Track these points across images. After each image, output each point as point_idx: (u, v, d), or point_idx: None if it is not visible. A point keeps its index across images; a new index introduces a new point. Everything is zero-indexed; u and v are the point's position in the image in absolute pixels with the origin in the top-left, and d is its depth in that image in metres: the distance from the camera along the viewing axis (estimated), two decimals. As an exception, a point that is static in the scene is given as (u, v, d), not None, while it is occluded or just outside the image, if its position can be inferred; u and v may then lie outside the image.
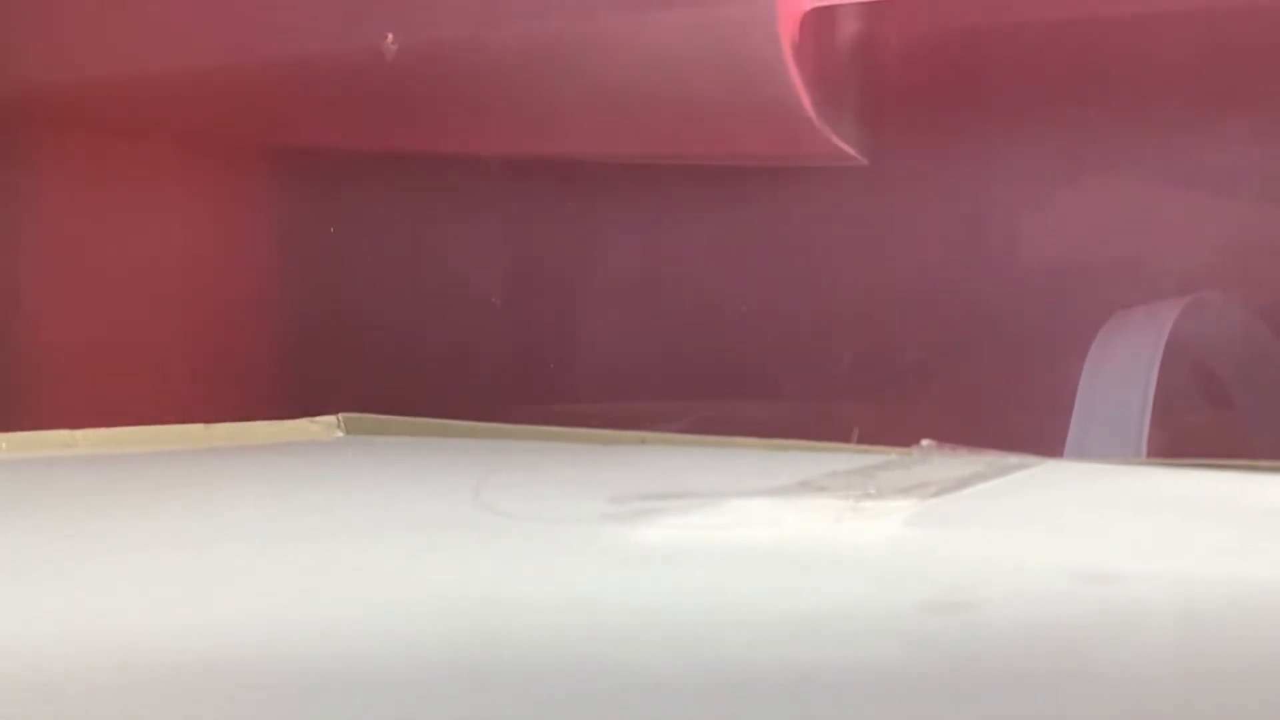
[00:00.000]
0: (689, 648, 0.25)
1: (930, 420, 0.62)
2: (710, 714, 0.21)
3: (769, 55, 0.67)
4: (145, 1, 0.79)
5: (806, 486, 0.46)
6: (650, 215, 0.79)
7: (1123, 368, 0.62)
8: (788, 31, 0.68)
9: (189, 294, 0.84)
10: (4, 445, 0.60)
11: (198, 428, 0.66)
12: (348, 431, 0.69)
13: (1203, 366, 0.67)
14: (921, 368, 0.74)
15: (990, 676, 0.23)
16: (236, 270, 0.85)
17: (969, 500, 0.44)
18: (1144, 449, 0.60)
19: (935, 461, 0.49)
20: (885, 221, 0.74)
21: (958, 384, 0.73)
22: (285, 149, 0.85)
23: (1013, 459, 0.53)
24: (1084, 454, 0.60)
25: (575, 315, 0.80)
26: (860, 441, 0.61)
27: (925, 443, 0.52)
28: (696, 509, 0.43)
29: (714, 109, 0.70)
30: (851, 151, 0.71)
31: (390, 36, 0.73)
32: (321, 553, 0.36)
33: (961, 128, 0.72)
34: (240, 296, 0.85)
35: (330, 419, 0.70)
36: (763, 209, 0.75)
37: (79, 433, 0.62)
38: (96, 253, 0.83)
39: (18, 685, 0.22)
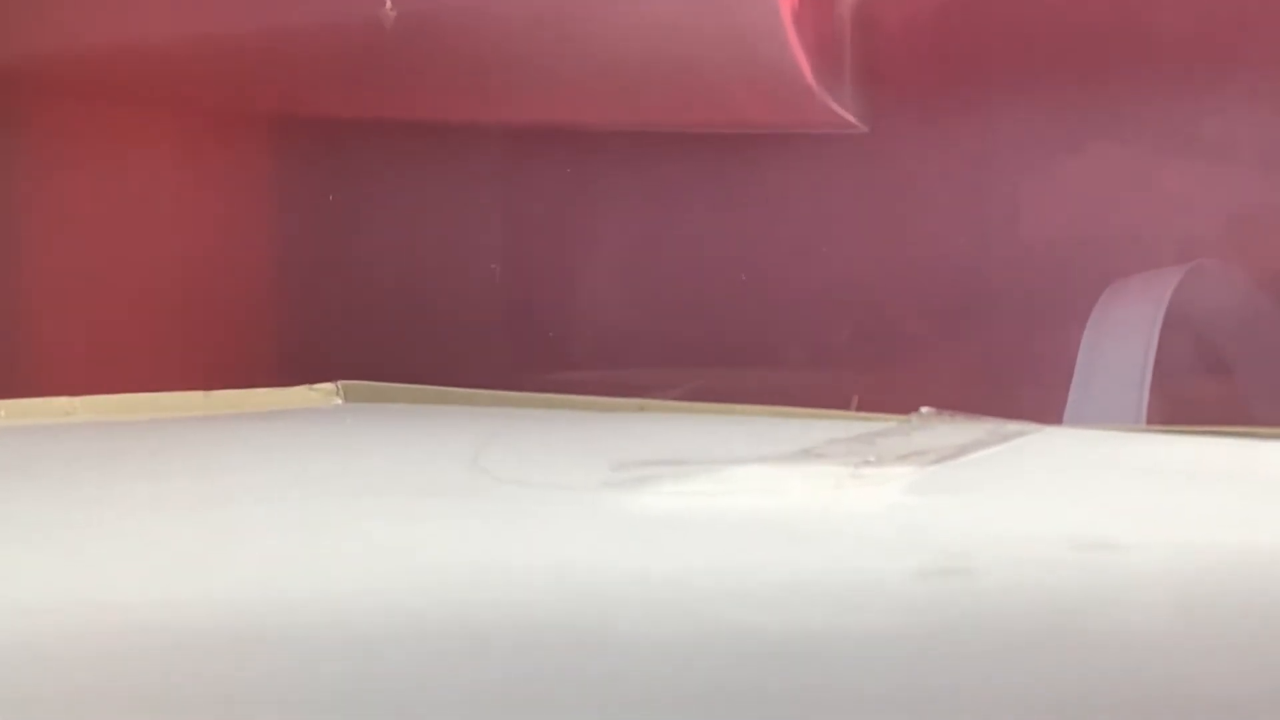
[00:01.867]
0: (688, 613, 0.25)
1: (930, 387, 0.62)
2: (709, 679, 0.21)
3: (769, 23, 0.67)
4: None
5: (806, 454, 0.46)
6: (650, 183, 0.78)
7: (1122, 336, 0.62)
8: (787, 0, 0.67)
9: (189, 262, 0.84)
10: (2, 413, 0.60)
11: (197, 395, 0.66)
12: (347, 399, 0.69)
13: (1202, 335, 0.67)
14: (921, 335, 0.74)
15: (989, 642, 0.23)
16: (236, 238, 0.85)
17: (968, 467, 0.44)
18: (1143, 416, 0.60)
19: (935, 429, 0.49)
20: (885, 189, 0.74)
21: (957, 351, 0.73)
22: (284, 117, 0.85)
23: (1012, 426, 0.53)
24: (1083, 421, 0.60)
25: (575, 283, 0.80)
26: (860, 409, 0.61)
27: (925, 410, 0.52)
28: (696, 476, 0.43)
29: (714, 77, 0.70)
30: (851, 119, 0.71)
31: (389, 4, 0.73)
32: (320, 519, 0.36)
33: (961, 96, 0.72)
34: (240, 264, 0.85)
35: (329, 386, 0.70)
36: (762, 177, 0.75)
37: (78, 400, 0.62)
38: (95, 221, 0.83)
39: (17, 648, 0.22)
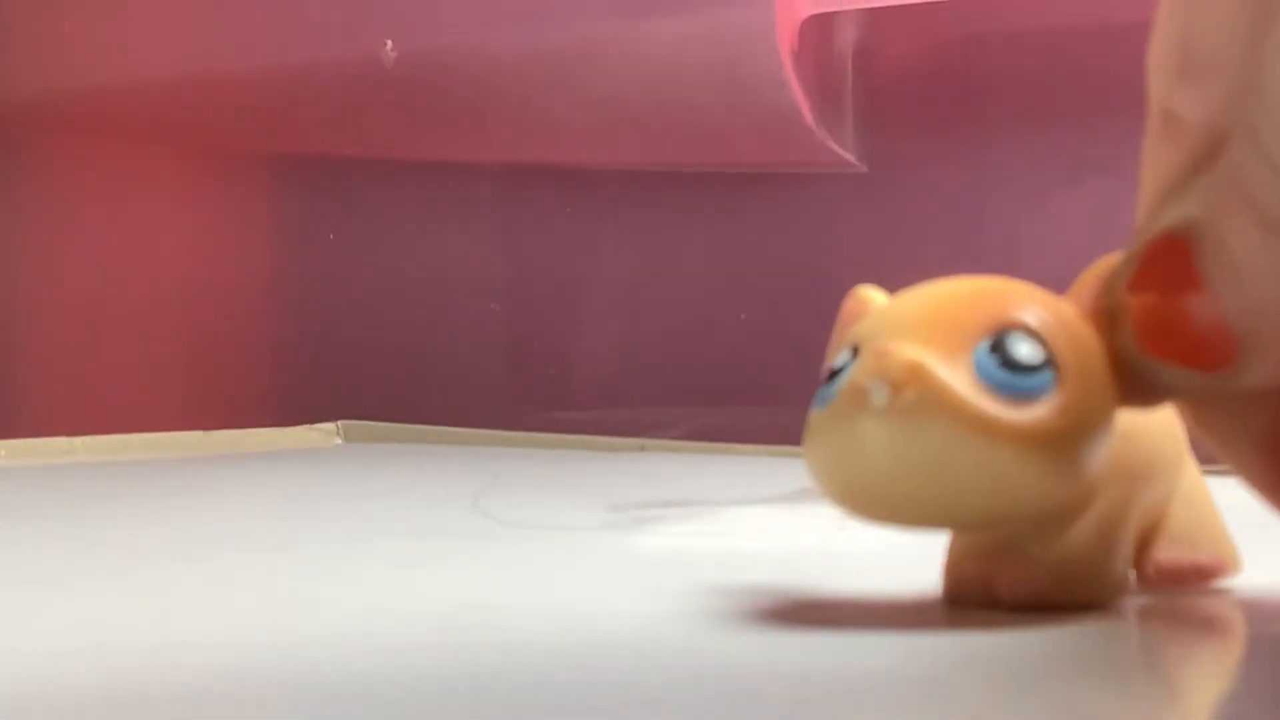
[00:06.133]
0: (690, 652, 0.25)
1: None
2: (714, 717, 0.21)
3: (768, 63, 0.67)
4: (145, 8, 0.79)
5: (806, 493, 0.46)
6: (649, 222, 0.79)
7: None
8: (786, 39, 0.68)
9: (188, 300, 0.85)
10: (3, 452, 0.60)
11: (197, 435, 0.66)
12: (346, 439, 0.69)
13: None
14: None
15: (991, 680, 0.23)
16: (236, 277, 0.86)
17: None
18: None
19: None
20: (884, 227, 0.74)
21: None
22: (285, 155, 0.85)
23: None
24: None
25: (574, 322, 0.80)
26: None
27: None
28: (695, 517, 0.43)
29: (713, 116, 0.70)
30: (850, 158, 0.71)
31: (389, 44, 0.73)
32: (320, 559, 0.36)
33: (959, 134, 0.72)
34: (240, 303, 0.85)
35: (329, 426, 0.70)
36: (762, 215, 0.75)
37: (78, 440, 0.62)
38: (94, 261, 0.83)
39: (15, 692, 0.22)
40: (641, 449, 0.65)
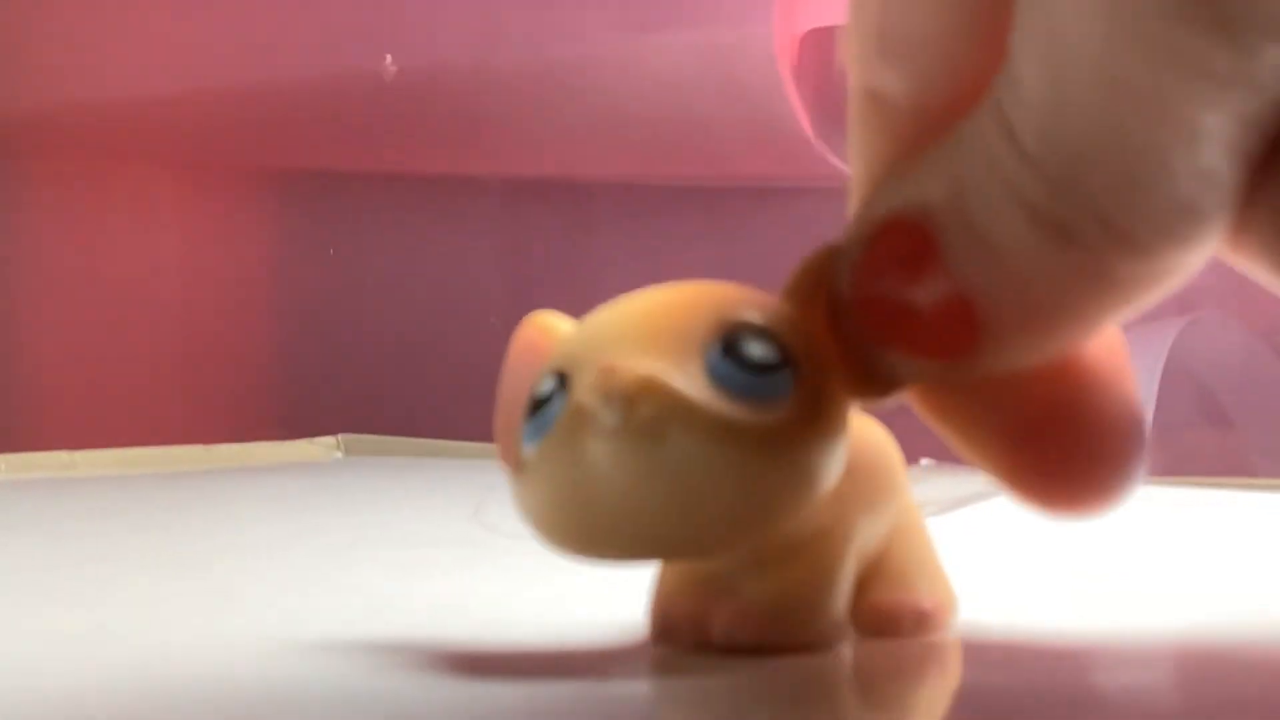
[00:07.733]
0: (688, 666, 0.25)
1: (931, 439, 0.62)
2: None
3: (767, 77, 0.67)
4: (143, 24, 0.79)
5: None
6: (649, 236, 0.79)
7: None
8: (786, 53, 0.68)
9: (188, 316, 0.85)
10: (2, 467, 0.60)
11: (197, 449, 0.66)
12: (347, 452, 0.69)
13: (1201, 386, 0.67)
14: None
15: (992, 693, 0.23)
16: (236, 292, 0.86)
17: (970, 518, 0.44)
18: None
19: (936, 480, 0.49)
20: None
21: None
22: (284, 171, 0.85)
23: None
24: (1083, 473, 0.60)
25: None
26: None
27: (926, 461, 0.52)
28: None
29: (713, 130, 0.70)
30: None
31: (389, 58, 0.73)
32: (319, 571, 0.36)
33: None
34: (240, 318, 0.86)
35: (329, 440, 0.70)
36: (762, 230, 0.75)
37: (78, 454, 0.62)
38: (94, 275, 0.83)
39: (15, 706, 0.22)
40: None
